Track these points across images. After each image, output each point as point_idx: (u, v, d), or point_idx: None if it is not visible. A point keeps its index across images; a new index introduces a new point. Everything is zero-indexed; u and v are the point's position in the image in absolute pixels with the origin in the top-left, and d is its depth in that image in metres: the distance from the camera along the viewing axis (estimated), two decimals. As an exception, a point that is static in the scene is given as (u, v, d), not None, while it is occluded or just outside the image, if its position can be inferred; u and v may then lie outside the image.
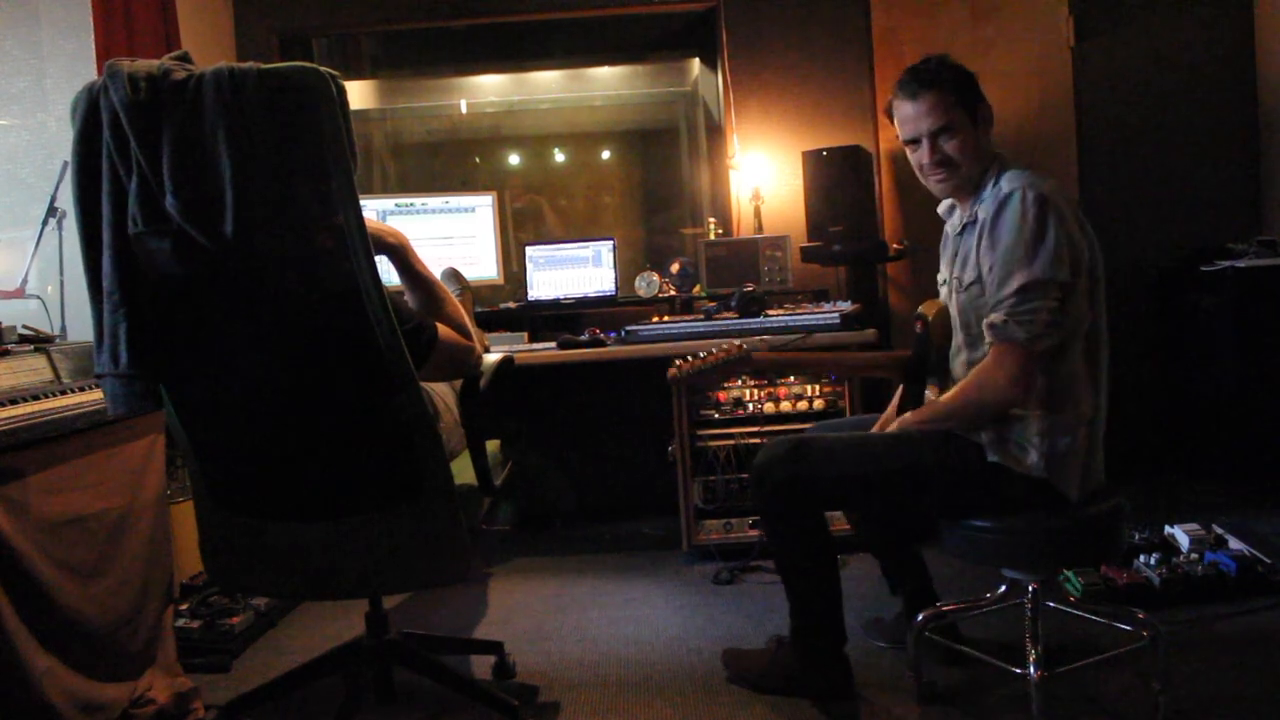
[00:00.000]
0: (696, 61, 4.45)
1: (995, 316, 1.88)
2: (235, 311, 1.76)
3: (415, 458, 1.85)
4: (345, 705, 2.09)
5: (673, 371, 2.26)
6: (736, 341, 2.28)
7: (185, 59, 1.69)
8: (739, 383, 3.31)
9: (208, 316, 1.77)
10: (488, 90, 4.76)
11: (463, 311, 2.12)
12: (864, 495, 2.11)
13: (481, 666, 2.51)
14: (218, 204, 1.59)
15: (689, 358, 2.26)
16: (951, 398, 2.00)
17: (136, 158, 1.61)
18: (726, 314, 3.35)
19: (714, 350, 2.25)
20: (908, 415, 2.07)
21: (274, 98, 1.59)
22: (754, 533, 3.27)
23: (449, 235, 3.82)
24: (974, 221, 2.01)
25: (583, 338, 3.36)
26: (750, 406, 3.31)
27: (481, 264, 3.84)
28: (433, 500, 1.89)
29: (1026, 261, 1.85)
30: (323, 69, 1.63)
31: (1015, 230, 1.87)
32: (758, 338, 3.13)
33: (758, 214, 3.95)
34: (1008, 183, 1.95)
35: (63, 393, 2.08)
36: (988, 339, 1.91)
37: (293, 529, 1.96)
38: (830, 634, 2.19)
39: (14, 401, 1.94)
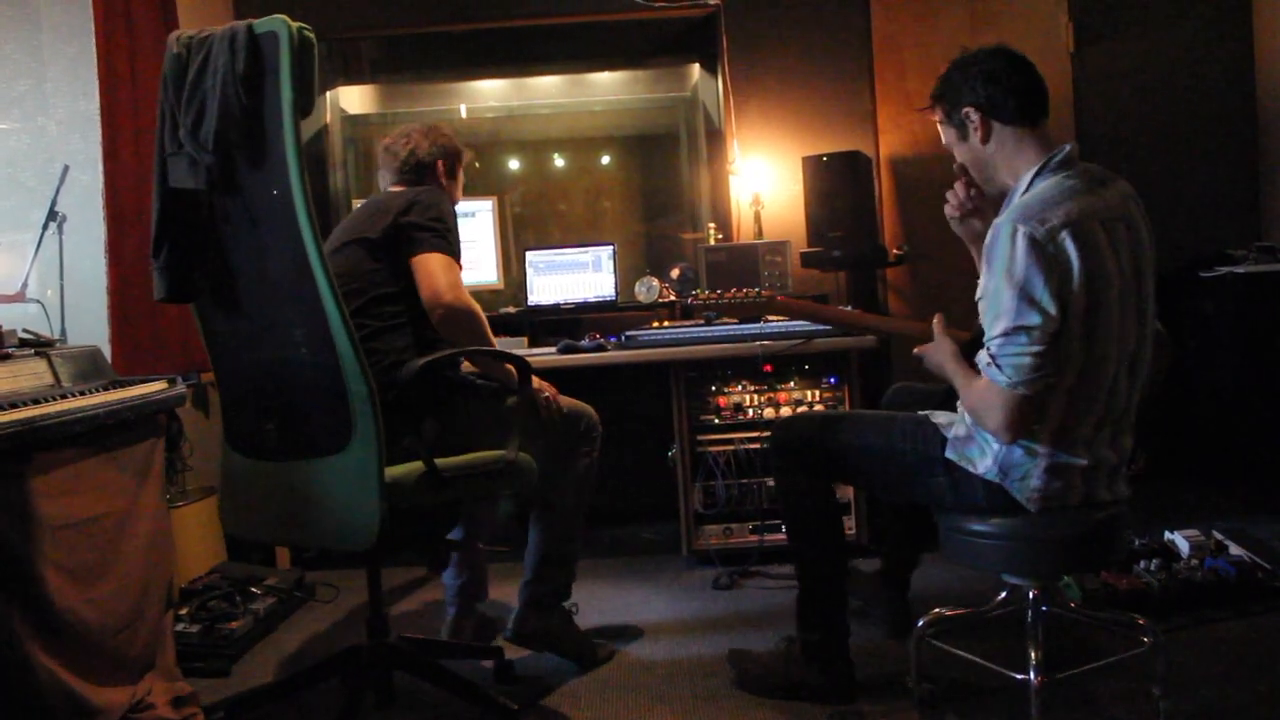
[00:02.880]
0: (696, 67, 4.45)
1: (983, 354, 1.84)
2: (228, 235, 2.05)
3: (349, 406, 1.94)
4: (345, 709, 2.09)
5: (699, 296, 2.31)
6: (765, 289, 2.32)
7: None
8: (738, 388, 3.31)
9: (215, 238, 2.07)
10: (487, 95, 4.75)
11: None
12: (846, 464, 2.16)
13: (482, 671, 2.51)
14: (207, 125, 1.95)
15: (716, 290, 2.32)
16: (965, 392, 1.93)
17: (172, 100, 2.02)
18: (727, 319, 3.35)
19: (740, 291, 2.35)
20: (952, 362, 1.99)
21: (252, 44, 1.92)
22: (753, 538, 3.27)
23: (449, 240, 3.82)
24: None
25: (584, 343, 3.36)
26: (750, 412, 3.31)
27: (481, 269, 3.84)
28: (358, 454, 1.94)
29: (1012, 304, 1.77)
30: (292, 22, 1.90)
31: (1002, 270, 1.79)
32: (759, 343, 3.14)
33: (758, 219, 3.95)
34: (1007, 211, 1.87)
35: (63, 396, 2.08)
36: (979, 368, 1.86)
37: (257, 466, 2.15)
38: (834, 623, 2.20)
39: (14, 405, 1.93)
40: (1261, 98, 4.11)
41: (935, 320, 2.07)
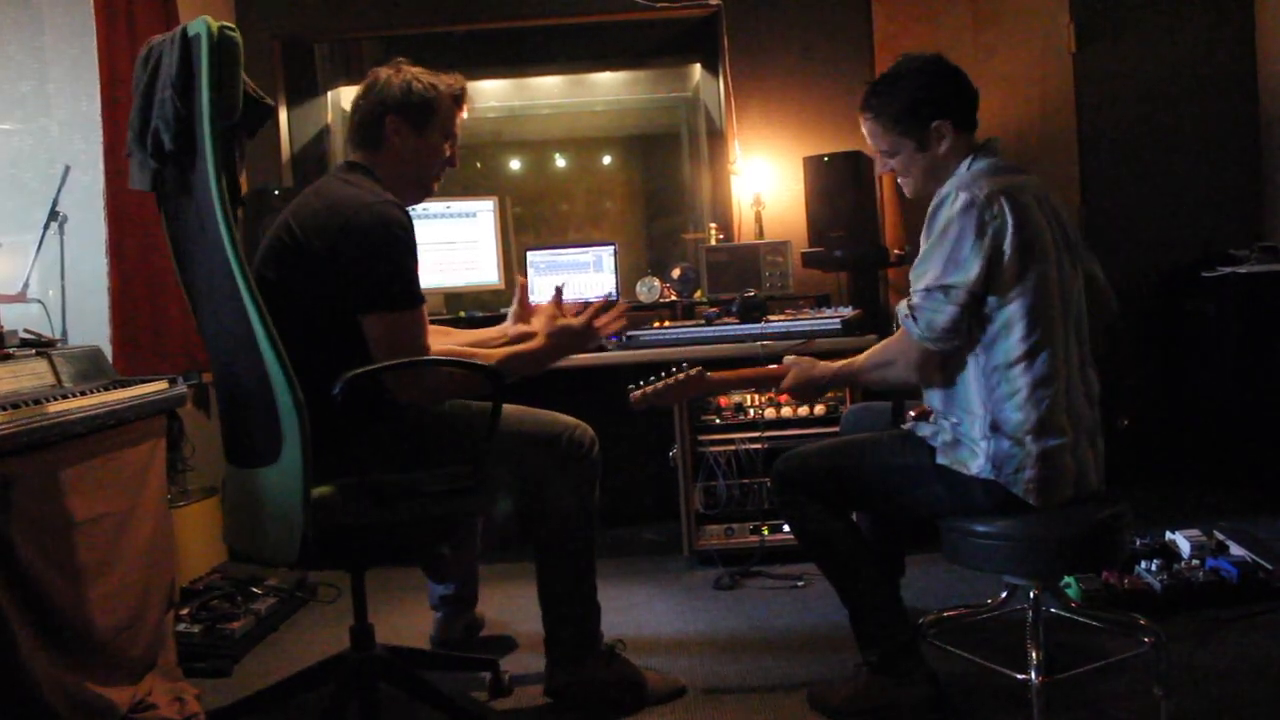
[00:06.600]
0: (698, 67, 4.45)
1: (905, 303, 1.96)
2: (183, 239, 2.04)
3: (279, 418, 1.86)
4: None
5: (635, 396, 2.32)
6: (695, 365, 2.32)
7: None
8: (740, 388, 3.31)
9: (177, 238, 2.06)
10: (489, 95, 4.76)
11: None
12: (844, 489, 2.16)
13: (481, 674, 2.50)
14: (149, 128, 1.93)
15: (649, 380, 2.33)
16: (866, 358, 2.10)
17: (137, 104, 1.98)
18: (728, 319, 3.35)
19: (672, 372, 2.32)
20: (820, 364, 2.21)
21: (184, 47, 1.86)
22: (755, 538, 3.27)
23: (451, 240, 3.82)
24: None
25: (584, 342, 3.35)
26: (751, 412, 3.31)
27: (482, 268, 3.84)
28: (287, 466, 1.88)
29: (937, 262, 1.90)
30: (214, 23, 1.84)
31: (939, 230, 1.91)
32: (760, 344, 3.14)
33: (759, 219, 3.95)
34: (950, 184, 1.96)
35: (64, 397, 2.08)
36: (898, 319, 1.99)
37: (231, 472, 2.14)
38: (894, 632, 2.13)
39: (15, 405, 1.93)
40: (1263, 97, 4.10)
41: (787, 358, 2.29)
